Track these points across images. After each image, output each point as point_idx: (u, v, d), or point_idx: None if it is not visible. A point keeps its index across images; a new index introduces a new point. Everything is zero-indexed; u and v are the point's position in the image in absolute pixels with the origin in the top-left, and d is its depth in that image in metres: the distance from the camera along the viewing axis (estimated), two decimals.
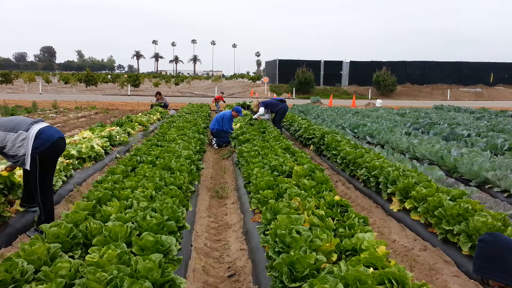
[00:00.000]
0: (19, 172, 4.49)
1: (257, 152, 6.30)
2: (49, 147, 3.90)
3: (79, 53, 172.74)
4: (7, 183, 4.32)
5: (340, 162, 6.67)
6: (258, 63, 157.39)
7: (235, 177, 6.46)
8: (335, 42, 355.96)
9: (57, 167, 5.50)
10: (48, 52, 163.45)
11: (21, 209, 4.28)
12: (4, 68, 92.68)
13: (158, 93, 17.57)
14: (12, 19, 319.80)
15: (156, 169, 4.92)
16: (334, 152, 7.11)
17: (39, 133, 3.87)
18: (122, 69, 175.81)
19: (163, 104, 16.77)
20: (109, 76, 59.24)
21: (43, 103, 20.46)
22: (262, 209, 4.06)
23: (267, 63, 54.39)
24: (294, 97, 33.73)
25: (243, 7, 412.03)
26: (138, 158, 5.72)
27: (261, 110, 10.52)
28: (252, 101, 20.63)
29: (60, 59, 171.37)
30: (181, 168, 5.03)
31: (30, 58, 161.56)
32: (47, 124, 4.07)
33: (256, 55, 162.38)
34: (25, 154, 3.80)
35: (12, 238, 3.82)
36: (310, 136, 9.08)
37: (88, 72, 40.71)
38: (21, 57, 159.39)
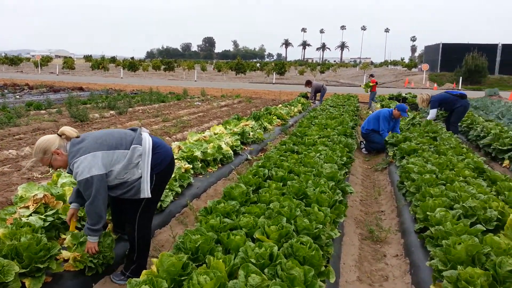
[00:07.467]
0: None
1: (433, 175, 4.30)
2: (168, 165, 2.81)
3: (235, 43, 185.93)
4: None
5: None
6: (413, 49, 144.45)
7: (396, 206, 4.58)
8: None
9: (173, 175, 4.53)
10: (209, 42, 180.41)
11: (114, 236, 3.33)
12: (172, 57, 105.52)
13: (308, 82, 16.28)
14: (180, 14, 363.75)
15: (286, 196, 3.46)
16: None
17: (156, 146, 2.75)
18: (271, 57, 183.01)
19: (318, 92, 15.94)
20: (258, 64, 61.18)
21: (195, 90, 21.34)
22: None
23: (426, 48, 48.14)
24: (460, 88, 28.59)
25: None
26: (266, 171, 4.37)
27: (433, 112, 7.99)
28: (409, 93, 17.61)
29: (218, 48, 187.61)
30: (321, 198, 3.46)
31: (194, 48, 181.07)
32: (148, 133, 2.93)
33: (411, 39, 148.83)
34: (139, 178, 2.64)
35: (91, 280, 2.81)
36: (505, 148, 6.44)
37: (239, 60, 42.26)
38: (186, 47, 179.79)
